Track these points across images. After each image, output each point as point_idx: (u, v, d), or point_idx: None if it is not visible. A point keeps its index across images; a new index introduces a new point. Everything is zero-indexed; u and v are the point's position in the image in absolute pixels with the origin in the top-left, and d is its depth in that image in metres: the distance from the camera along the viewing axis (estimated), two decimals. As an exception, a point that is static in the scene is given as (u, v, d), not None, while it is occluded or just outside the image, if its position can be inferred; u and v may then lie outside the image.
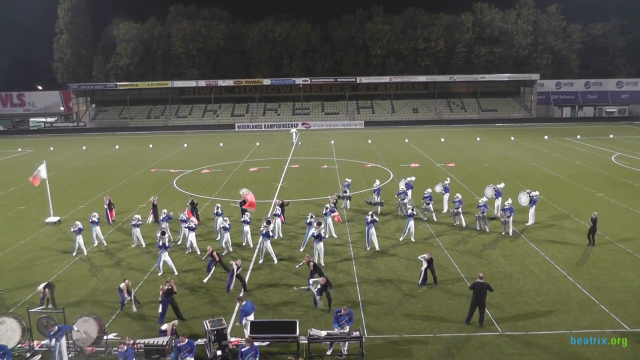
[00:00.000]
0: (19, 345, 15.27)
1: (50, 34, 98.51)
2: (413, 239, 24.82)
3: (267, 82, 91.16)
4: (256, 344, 13.97)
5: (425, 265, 19.46)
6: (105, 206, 28.81)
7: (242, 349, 13.62)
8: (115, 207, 29.93)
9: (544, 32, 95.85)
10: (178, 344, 14.18)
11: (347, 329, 15.08)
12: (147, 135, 79.99)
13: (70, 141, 73.56)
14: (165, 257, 21.28)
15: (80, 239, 23.74)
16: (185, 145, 64.04)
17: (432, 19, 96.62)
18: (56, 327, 14.46)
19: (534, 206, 26.93)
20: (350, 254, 23.18)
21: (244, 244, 24.55)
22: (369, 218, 23.42)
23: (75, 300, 18.90)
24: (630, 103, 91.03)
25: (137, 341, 15.06)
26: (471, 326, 16.36)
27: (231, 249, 23.90)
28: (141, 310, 18.05)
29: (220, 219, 25.03)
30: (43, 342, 15.60)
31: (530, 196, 27.03)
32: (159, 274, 21.28)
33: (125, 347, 13.82)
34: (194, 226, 23.98)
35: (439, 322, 16.73)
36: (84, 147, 63.97)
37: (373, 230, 23.53)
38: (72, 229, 23.56)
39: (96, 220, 24.84)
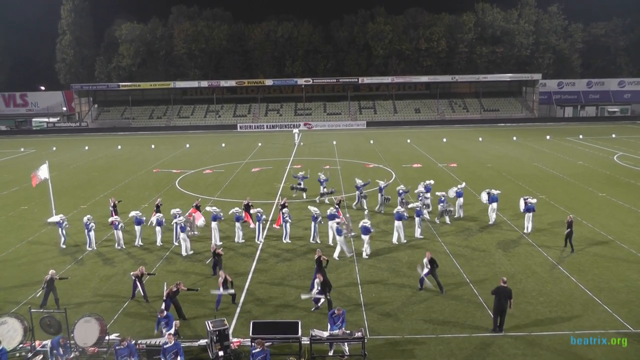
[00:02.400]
0: (20, 346, 15.27)
1: (53, 35, 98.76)
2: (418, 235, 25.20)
3: (269, 82, 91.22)
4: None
5: (426, 270, 18.79)
6: (111, 208, 28.69)
7: (253, 350, 13.60)
8: (118, 209, 29.26)
9: (545, 31, 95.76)
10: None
11: (342, 329, 15.05)
12: (149, 135, 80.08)
13: (72, 141, 73.68)
14: (185, 237, 23.50)
15: (62, 232, 24.80)
16: (188, 145, 64.09)
17: (433, 19, 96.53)
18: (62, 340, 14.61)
19: (530, 213, 25.63)
20: (353, 254, 23.13)
21: (260, 240, 25.20)
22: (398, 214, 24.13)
23: (78, 300, 18.90)
24: (632, 102, 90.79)
25: (139, 341, 15.04)
26: (473, 327, 16.32)
27: (242, 240, 25.07)
28: (143, 310, 18.05)
29: (215, 224, 24.99)
30: (45, 342, 15.58)
31: (526, 202, 25.93)
32: (191, 252, 23.65)
33: (126, 344, 13.88)
34: (183, 226, 24.05)
35: (442, 322, 16.68)
36: (86, 147, 64.09)
37: (400, 224, 24.24)
38: (57, 223, 24.94)
39: (87, 223, 24.61)
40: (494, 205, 27.31)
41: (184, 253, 23.51)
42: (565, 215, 28.14)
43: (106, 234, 26.57)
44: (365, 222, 22.90)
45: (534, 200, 26.16)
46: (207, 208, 26.43)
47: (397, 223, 24.29)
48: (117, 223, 24.70)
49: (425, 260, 19.00)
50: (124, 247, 24.72)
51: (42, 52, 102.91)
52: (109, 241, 25.75)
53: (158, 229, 25.03)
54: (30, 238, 26.68)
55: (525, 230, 25.73)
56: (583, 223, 26.80)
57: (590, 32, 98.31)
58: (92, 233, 24.72)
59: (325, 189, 32.44)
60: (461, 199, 28.43)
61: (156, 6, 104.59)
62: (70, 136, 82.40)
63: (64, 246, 24.79)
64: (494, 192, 27.64)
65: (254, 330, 14.81)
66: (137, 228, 25.07)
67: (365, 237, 22.73)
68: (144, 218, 25.46)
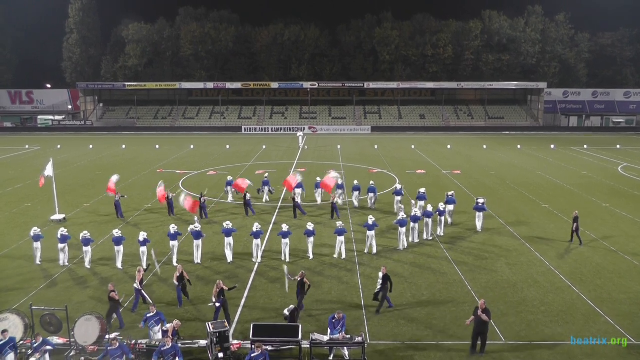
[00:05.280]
0: (21, 342, 15.29)
1: (60, 33, 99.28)
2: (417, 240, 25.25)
3: (274, 85, 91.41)
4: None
5: (380, 284, 17.96)
6: (115, 199, 30.31)
7: (252, 354, 13.55)
8: (122, 206, 30.55)
9: (552, 40, 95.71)
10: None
11: (342, 333, 15.03)
12: (153, 135, 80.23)
13: (77, 140, 73.88)
14: (199, 243, 22.57)
15: (37, 245, 22.56)
16: (192, 146, 64.18)
17: (440, 25, 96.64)
18: (40, 339, 14.50)
19: (481, 213, 27.15)
20: (355, 258, 23.17)
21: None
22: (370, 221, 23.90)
23: (78, 299, 18.92)
24: (637, 113, 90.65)
25: (139, 341, 15.05)
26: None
27: (259, 259, 22.95)
28: (144, 310, 17.99)
29: (229, 240, 22.92)
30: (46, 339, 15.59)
31: (477, 201, 27.45)
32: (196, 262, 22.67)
33: (117, 344, 13.86)
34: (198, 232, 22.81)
35: (442, 329, 16.65)
36: (91, 146, 64.25)
37: (372, 233, 23.87)
38: (31, 234, 22.77)
39: (59, 237, 22.48)
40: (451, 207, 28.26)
41: (198, 260, 22.58)
42: (568, 224, 28.11)
43: (101, 239, 26.58)
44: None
45: (483, 200, 27.66)
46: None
47: (426, 220, 25.76)
48: (87, 238, 22.20)
49: (380, 274, 18.17)
50: (88, 266, 22.28)
51: (49, 50, 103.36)
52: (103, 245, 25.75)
53: (143, 249, 22.01)
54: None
55: (477, 230, 27.15)
56: (586, 233, 26.71)
57: (596, 42, 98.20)
58: (66, 248, 22.53)
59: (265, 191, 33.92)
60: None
61: (163, 7, 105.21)
62: (75, 134, 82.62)
63: (39, 262, 22.67)
64: (450, 196, 28.75)
65: (254, 332, 14.80)
66: (117, 248, 22.28)
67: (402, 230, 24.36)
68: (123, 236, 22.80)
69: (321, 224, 28.09)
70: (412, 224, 25.11)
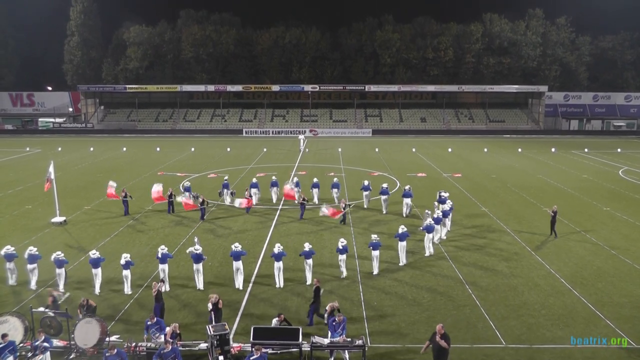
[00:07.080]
0: (21, 345, 15.29)
1: (61, 36, 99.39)
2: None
3: (275, 88, 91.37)
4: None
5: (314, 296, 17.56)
6: (122, 198, 31.43)
7: (251, 357, 13.49)
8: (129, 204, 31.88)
9: (552, 43, 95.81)
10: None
11: (343, 336, 15.00)
12: (154, 138, 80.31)
13: (77, 142, 73.92)
14: (199, 267, 20.06)
15: (9, 266, 20.61)
16: (193, 149, 64.20)
17: (441, 28, 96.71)
18: (43, 336, 14.71)
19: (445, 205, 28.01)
20: (355, 263, 23.13)
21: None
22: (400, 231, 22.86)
23: (79, 301, 18.86)
24: (638, 117, 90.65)
25: (139, 344, 15.04)
26: (475, 338, 16.26)
27: (281, 284, 20.56)
28: (144, 312, 18.01)
29: (238, 264, 20.35)
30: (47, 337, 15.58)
31: (440, 194, 29.42)
32: (198, 288, 20.24)
33: (115, 351, 13.79)
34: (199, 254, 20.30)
35: (443, 332, 16.63)
36: (92, 149, 64.26)
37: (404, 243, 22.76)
38: (1, 253, 20.75)
39: (27, 257, 20.38)
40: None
41: (200, 286, 20.24)
42: (568, 228, 28.15)
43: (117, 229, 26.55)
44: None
45: (447, 194, 29.70)
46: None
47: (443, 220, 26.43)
48: (60, 259, 20.01)
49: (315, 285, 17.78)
50: (63, 290, 19.96)
51: (50, 52, 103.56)
52: (111, 243, 25.70)
53: (126, 273, 19.78)
54: (34, 237, 26.72)
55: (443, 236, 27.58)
56: (587, 237, 26.75)
57: (597, 45, 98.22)
58: (35, 270, 20.44)
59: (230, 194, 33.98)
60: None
61: (165, 9, 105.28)
62: (75, 137, 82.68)
63: (14, 283, 20.72)
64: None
65: (254, 335, 14.79)
66: (95, 271, 19.93)
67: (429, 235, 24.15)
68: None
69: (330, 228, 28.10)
70: (435, 227, 25.03)
